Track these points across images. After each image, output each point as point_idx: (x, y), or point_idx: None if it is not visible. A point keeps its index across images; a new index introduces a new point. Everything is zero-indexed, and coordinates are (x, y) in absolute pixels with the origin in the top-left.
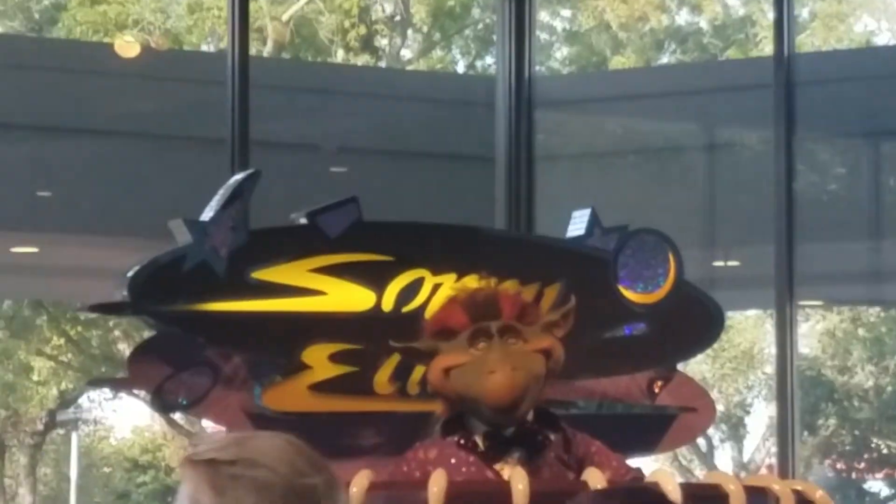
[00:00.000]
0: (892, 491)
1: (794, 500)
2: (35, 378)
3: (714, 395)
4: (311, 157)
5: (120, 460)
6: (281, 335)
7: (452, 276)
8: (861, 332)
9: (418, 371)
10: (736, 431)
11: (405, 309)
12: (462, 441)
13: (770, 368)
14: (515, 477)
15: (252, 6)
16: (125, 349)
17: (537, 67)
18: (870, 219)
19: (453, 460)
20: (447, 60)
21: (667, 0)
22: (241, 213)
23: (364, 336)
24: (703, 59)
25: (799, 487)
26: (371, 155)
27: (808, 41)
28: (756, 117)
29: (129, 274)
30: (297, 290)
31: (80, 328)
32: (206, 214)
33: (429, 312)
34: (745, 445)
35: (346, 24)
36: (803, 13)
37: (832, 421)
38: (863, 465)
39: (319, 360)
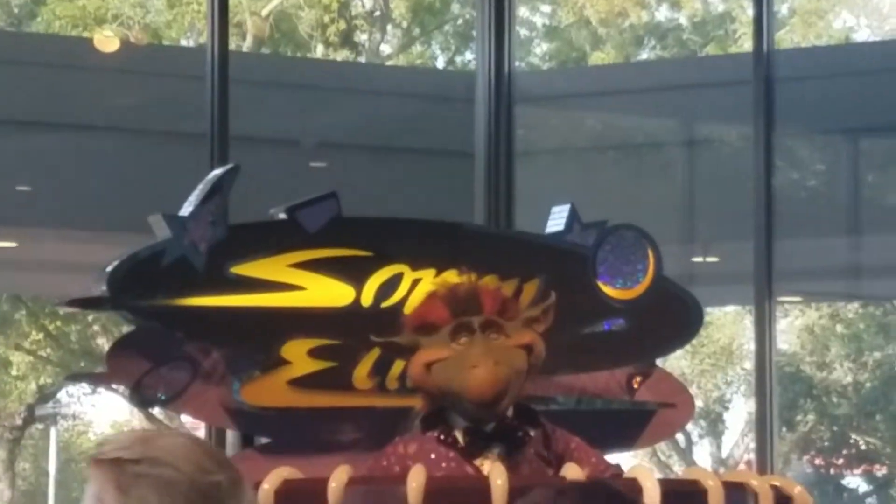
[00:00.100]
0: (871, 487)
1: (772, 496)
2: (14, 373)
3: (693, 390)
4: (291, 152)
5: None
6: (260, 330)
7: (432, 272)
8: (840, 328)
9: (397, 366)
10: (715, 427)
11: (384, 304)
12: (442, 436)
13: (749, 364)
14: (494, 472)
15: (231, 1)
16: (104, 344)
17: (517, 63)
18: (848, 215)
19: (433, 455)
20: (427, 56)
21: None
22: (221, 208)
23: (343, 331)
24: (683, 55)
25: (777, 483)
26: (350, 150)
27: (788, 37)
28: (735, 113)
29: (108, 269)
30: (277, 286)
31: (59, 323)
32: (186, 209)
33: (408, 308)
34: (724, 441)
35: (326, 19)
36: (782, 9)
37: (811, 417)
38: (841, 461)
39: (298, 355)
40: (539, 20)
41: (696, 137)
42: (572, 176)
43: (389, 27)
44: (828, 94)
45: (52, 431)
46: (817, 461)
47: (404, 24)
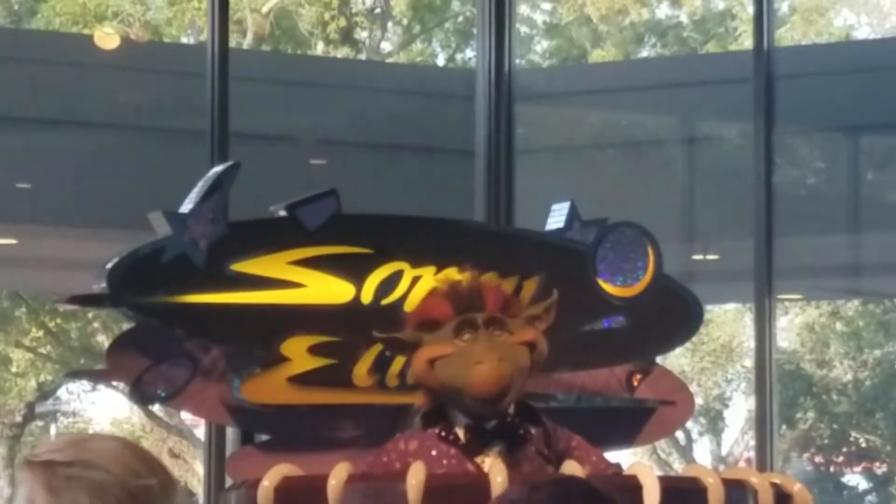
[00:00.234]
0: (871, 484)
1: (772, 494)
2: (13, 370)
3: (693, 388)
4: (291, 149)
5: None
6: (260, 327)
7: (432, 269)
8: (840, 325)
9: (397, 363)
10: (714, 425)
11: (384, 301)
12: (443, 433)
13: (749, 362)
14: (494, 469)
15: None
16: (104, 341)
17: (517, 60)
18: (848, 213)
19: (434, 452)
20: (427, 53)
21: None
22: (221, 205)
23: (343, 328)
24: (683, 53)
25: (777, 481)
26: (351, 147)
27: (788, 35)
28: (735, 111)
29: (108, 266)
30: (277, 283)
31: (59, 320)
32: (186, 206)
33: (409, 305)
34: (724, 439)
35: (326, 16)
36: (783, 7)
37: (811, 414)
38: (841, 458)
39: (298, 352)
40: (539, 17)
41: (697, 135)
42: (572, 173)
43: (390, 24)
44: (828, 91)
45: (53, 428)
46: (817, 459)
47: (405, 22)
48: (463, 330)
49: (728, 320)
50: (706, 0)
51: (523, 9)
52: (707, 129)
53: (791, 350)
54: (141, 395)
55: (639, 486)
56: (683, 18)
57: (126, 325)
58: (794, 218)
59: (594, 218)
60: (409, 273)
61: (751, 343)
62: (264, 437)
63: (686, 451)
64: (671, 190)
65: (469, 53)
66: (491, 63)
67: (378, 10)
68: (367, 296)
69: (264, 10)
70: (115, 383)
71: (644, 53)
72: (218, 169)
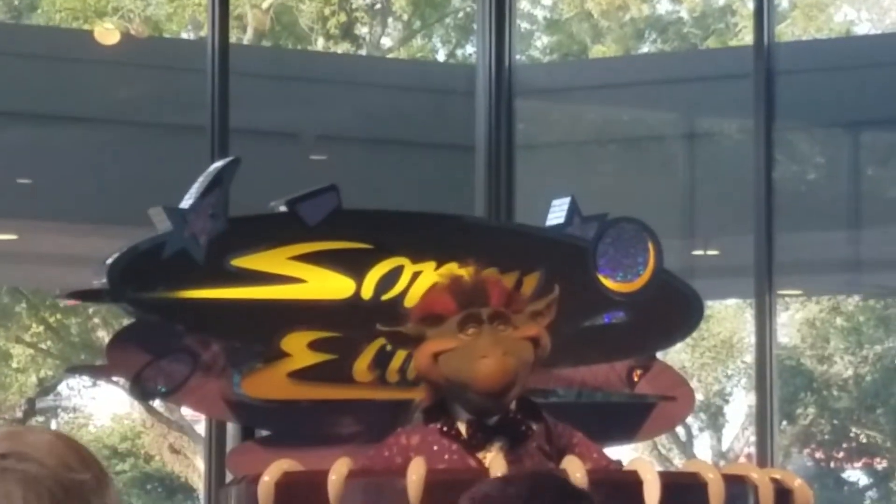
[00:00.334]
0: (871, 480)
1: (772, 489)
2: (14, 365)
3: (693, 384)
4: (291, 145)
5: (99, 448)
6: (260, 323)
7: (432, 265)
8: (840, 321)
9: (397, 359)
10: (715, 420)
11: (385, 297)
12: (445, 428)
13: (749, 358)
14: (495, 465)
15: None
16: (104, 336)
17: (517, 56)
18: (849, 208)
19: (436, 447)
20: (427, 49)
21: None
22: (221, 200)
23: (343, 324)
24: (684, 49)
25: (777, 476)
26: (351, 143)
27: (788, 31)
28: (736, 107)
29: (109, 261)
30: (277, 278)
31: (59, 315)
32: (186, 202)
33: (410, 300)
34: (724, 434)
35: (327, 11)
36: (783, 3)
37: (811, 410)
38: (841, 454)
39: (299, 347)
40: (540, 13)
41: (697, 131)
42: (573, 169)
43: (390, 20)
44: (828, 87)
45: (53, 424)
46: (817, 454)
47: (405, 17)
48: (467, 324)
49: (728, 316)
50: None
51: (524, 4)
52: (707, 125)
53: (791, 346)
54: (141, 390)
55: (639, 481)
56: (684, 14)
57: (126, 321)
58: (795, 213)
59: (594, 213)
60: (409, 268)
61: (751, 339)
62: (265, 433)
63: (686, 447)
64: (671, 185)
65: (469, 49)
66: (491, 59)
67: (378, 6)
68: (367, 291)
69: (264, 5)
70: (115, 379)
71: (644, 49)
72: (218, 164)
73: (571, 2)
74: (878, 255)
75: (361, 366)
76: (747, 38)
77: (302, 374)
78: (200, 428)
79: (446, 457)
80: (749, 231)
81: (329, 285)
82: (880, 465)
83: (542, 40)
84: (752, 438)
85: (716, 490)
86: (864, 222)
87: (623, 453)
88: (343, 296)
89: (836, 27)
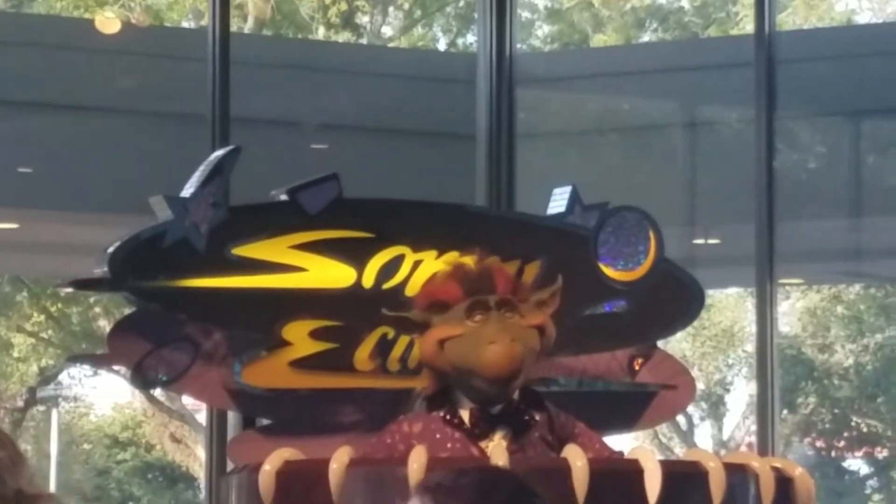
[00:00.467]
0: (872, 469)
1: (773, 478)
2: (15, 355)
3: (694, 372)
4: (292, 133)
5: (100, 437)
6: (261, 311)
7: (433, 253)
8: (841, 310)
9: (399, 348)
10: (716, 409)
11: (385, 286)
12: (448, 416)
13: (750, 346)
14: (496, 454)
15: None
16: (105, 326)
17: (518, 45)
18: (850, 197)
19: (438, 435)
20: (428, 38)
21: None
22: (222, 189)
23: (344, 312)
24: (685, 38)
25: (778, 465)
26: (352, 132)
27: (789, 19)
28: (737, 95)
29: (110, 250)
30: (278, 267)
31: (60, 304)
32: (187, 191)
33: (413, 288)
34: (725, 423)
35: (328, 0)
36: None
37: (812, 399)
38: (842, 443)
39: (300, 336)
40: (540, 2)
41: (698, 120)
42: (574, 158)
43: (391, 9)
44: (829, 76)
45: (54, 413)
46: (818, 443)
47: (406, 6)
48: (475, 311)
49: (729, 305)
50: None
51: None
52: (708, 114)
53: (792, 334)
54: (142, 379)
55: (640, 470)
56: (685, 3)
57: (127, 310)
58: (796, 202)
59: (595, 202)
60: (410, 257)
61: (752, 327)
62: (266, 422)
63: (687, 436)
64: (672, 174)
65: (470, 38)
66: (492, 47)
67: None
68: (368, 280)
69: None
70: (116, 368)
71: (645, 38)
72: (219, 153)
73: None
74: (879, 244)
75: (362, 355)
76: (748, 27)
77: (303, 363)
78: (201, 417)
79: (449, 445)
80: (750, 220)
81: (330, 274)
82: (881, 454)
83: (543, 29)
84: (753, 427)
85: (717, 479)
86: (865, 211)
87: (624, 442)
88: (344, 285)
89: (837, 16)
